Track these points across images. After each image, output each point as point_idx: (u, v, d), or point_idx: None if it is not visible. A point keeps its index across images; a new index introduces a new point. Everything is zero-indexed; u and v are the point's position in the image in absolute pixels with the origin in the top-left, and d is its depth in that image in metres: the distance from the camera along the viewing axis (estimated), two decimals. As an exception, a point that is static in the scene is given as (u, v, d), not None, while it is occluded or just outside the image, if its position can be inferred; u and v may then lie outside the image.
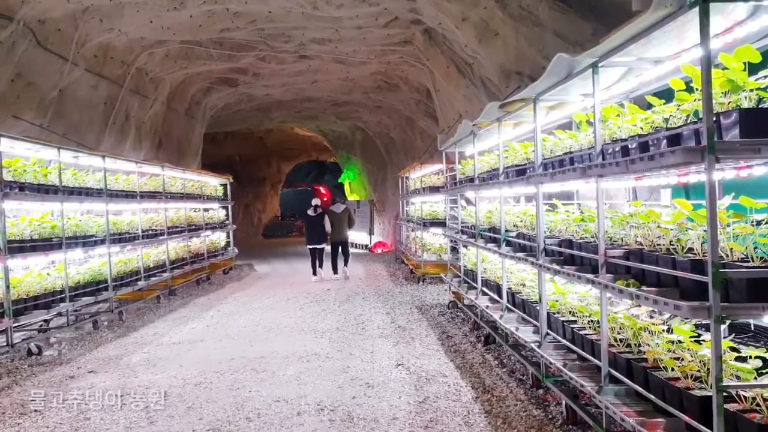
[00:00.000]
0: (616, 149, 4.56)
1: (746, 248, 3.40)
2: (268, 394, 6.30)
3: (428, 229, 14.92)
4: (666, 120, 4.18)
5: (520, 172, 6.94)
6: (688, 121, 3.88)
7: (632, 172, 3.99)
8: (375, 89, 19.56)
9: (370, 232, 26.21)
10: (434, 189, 14.28)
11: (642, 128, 4.44)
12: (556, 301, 6.27)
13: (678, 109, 3.98)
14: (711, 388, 3.66)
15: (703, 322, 3.84)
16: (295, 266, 19.58)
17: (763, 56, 3.34)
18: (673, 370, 4.06)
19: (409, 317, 10.34)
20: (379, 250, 24.08)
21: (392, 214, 23.73)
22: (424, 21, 12.79)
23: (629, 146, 4.39)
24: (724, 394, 3.21)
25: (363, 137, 27.16)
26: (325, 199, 33.53)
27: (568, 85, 5.39)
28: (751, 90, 3.34)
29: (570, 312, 6.07)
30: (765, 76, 3.35)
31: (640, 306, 5.00)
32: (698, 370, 3.87)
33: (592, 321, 5.50)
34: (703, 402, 3.57)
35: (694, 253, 3.87)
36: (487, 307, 8.08)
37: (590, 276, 4.65)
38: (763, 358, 3.55)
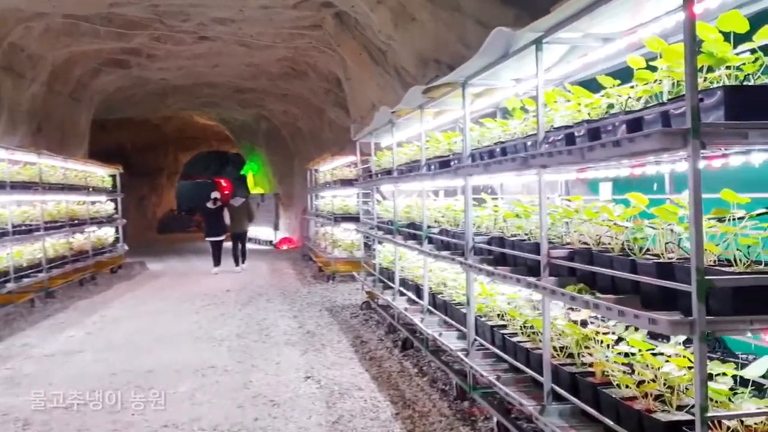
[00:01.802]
0: (559, 137, 4.02)
1: (728, 250, 2.90)
2: (154, 417, 5.39)
3: (339, 224, 14.33)
4: (611, 106, 3.68)
5: (444, 164, 6.38)
6: (648, 105, 3.37)
7: (588, 161, 3.43)
8: (282, 76, 18.60)
9: (276, 228, 25.19)
10: (346, 182, 13.65)
11: (589, 114, 3.92)
12: (484, 304, 5.74)
13: (636, 89, 3.46)
14: (676, 410, 3.19)
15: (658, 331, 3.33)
16: (193, 264, 18.37)
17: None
18: (627, 387, 3.56)
19: (319, 321, 9.62)
20: (285, 247, 23.15)
21: (299, 208, 22.91)
22: (335, 3, 12.02)
23: (575, 134, 3.85)
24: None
25: (268, 127, 26.03)
26: (227, 192, 32.05)
27: (501, 67, 4.84)
28: (735, 67, 2.83)
29: (499, 315, 5.56)
30: (752, 50, 2.85)
31: (579, 310, 4.53)
32: (658, 389, 3.39)
33: (525, 327, 4.99)
34: (671, 428, 3.08)
35: (656, 255, 3.38)
36: (406, 309, 7.47)
37: (532, 279, 4.08)
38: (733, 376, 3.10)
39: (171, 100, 22.30)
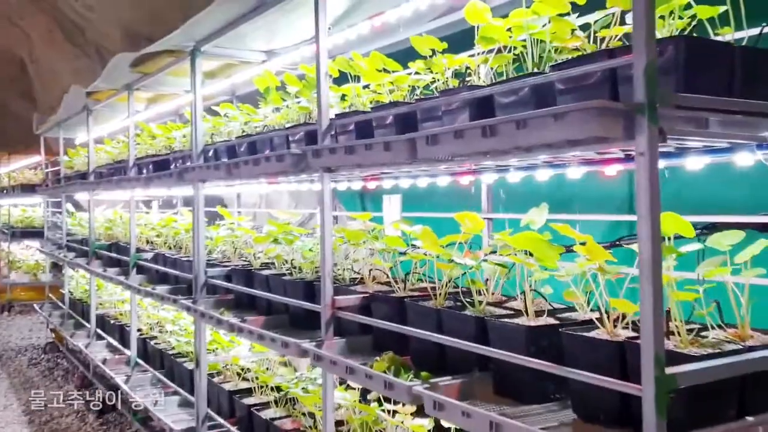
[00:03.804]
0: (348, 127, 2.67)
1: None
2: None
3: (20, 240, 11.72)
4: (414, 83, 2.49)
5: (161, 165, 4.68)
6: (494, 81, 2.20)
7: (441, 159, 2.07)
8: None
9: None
10: (29, 188, 10.99)
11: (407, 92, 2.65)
12: (217, 362, 4.20)
13: (480, 56, 2.25)
14: None
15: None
16: None
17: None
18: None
19: (-20, 374, 7.12)
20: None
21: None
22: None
23: (374, 122, 2.55)
24: None
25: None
26: None
27: (252, 25, 3.34)
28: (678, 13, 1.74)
29: (239, 374, 4.08)
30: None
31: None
32: None
33: (281, 395, 3.59)
34: None
35: (498, 305, 2.22)
36: (105, 360, 5.56)
37: (310, 347, 2.61)
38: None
39: None
